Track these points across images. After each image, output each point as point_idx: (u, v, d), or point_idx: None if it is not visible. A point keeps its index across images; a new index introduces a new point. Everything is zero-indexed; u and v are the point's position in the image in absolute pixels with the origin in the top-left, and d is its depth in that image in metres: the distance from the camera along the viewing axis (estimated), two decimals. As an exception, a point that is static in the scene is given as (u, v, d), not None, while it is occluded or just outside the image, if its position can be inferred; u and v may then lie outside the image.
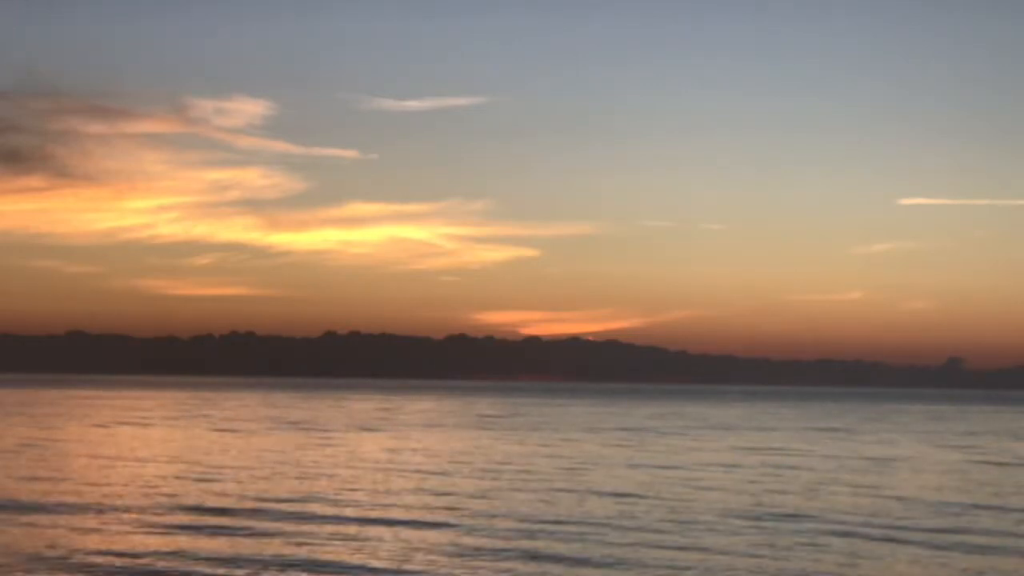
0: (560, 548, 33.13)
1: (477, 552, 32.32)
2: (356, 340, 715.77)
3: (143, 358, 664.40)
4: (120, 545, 32.69)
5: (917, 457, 74.70)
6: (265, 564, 30.22)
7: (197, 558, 30.85)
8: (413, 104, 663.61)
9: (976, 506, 45.47)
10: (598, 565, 30.84)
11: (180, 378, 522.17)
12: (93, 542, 33.16)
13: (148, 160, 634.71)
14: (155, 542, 33.29)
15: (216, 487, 47.97)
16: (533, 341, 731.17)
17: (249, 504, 42.16)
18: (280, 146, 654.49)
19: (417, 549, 32.67)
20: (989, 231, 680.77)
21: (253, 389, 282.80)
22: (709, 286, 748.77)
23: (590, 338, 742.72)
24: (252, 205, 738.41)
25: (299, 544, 33.25)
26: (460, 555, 31.85)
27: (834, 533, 36.83)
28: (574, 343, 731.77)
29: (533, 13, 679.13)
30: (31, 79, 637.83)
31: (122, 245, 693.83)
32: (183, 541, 33.53)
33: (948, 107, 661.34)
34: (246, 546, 32.84)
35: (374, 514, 40.06)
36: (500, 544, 33.68)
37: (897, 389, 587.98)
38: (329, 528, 36.57)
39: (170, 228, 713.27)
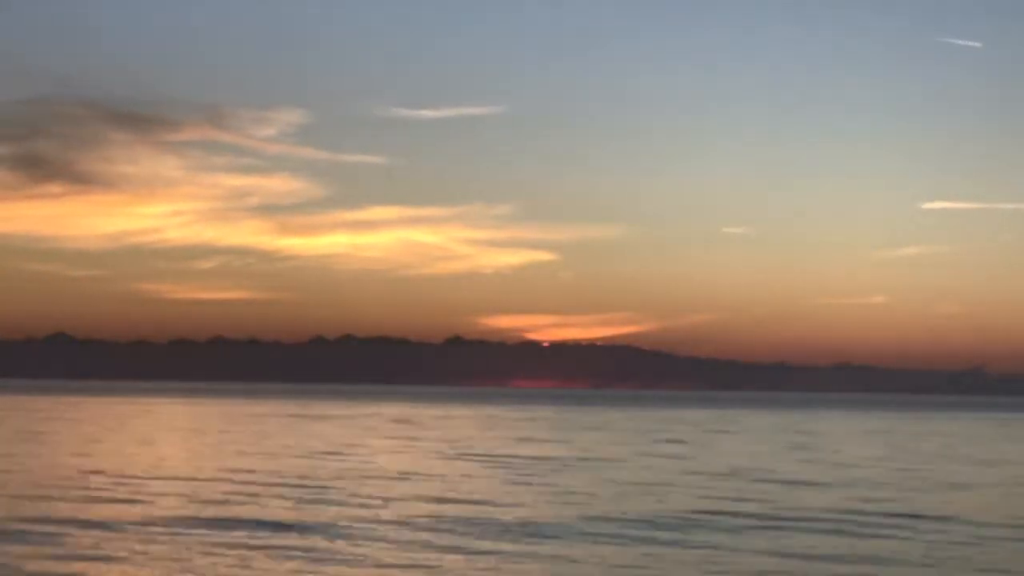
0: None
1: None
2: (349, 344, 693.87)
3: (120, 362, 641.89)
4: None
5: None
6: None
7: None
8: (441, 113, 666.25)
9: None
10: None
11: (158, 383, 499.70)
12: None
13: (170, 166, 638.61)
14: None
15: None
16: (532, 346, 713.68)
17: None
18: (310, 153, 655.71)
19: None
20: (1014, 235, 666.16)
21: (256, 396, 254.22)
22: (729, 290, 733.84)
23: (597, 343, 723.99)
24: (268, 210, 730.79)
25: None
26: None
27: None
28: (575, 348, 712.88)
29: (548, 22, 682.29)
30: (67, 87, 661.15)
31: (127, 249, 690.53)
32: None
33: (970, 111, 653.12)
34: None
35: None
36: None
37: (919, 396, 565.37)
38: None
39: (178, 232, 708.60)
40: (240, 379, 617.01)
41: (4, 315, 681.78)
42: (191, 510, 35.18)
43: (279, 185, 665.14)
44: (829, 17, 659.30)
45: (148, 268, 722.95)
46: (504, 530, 32.06)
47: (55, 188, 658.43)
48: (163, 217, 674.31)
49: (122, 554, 26.98)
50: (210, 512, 34.67)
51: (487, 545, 29.05)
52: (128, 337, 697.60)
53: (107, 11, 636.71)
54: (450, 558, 27.23)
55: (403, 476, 49.37)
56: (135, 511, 34.75)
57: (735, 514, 36.51)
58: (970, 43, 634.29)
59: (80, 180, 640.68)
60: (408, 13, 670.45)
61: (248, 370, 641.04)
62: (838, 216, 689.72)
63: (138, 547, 28.01)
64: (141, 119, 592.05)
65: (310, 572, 25.25)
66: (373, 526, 32.40)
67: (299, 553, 27.59)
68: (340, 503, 37.93)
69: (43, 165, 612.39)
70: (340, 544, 29.04)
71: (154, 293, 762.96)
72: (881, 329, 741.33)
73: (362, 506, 37.22)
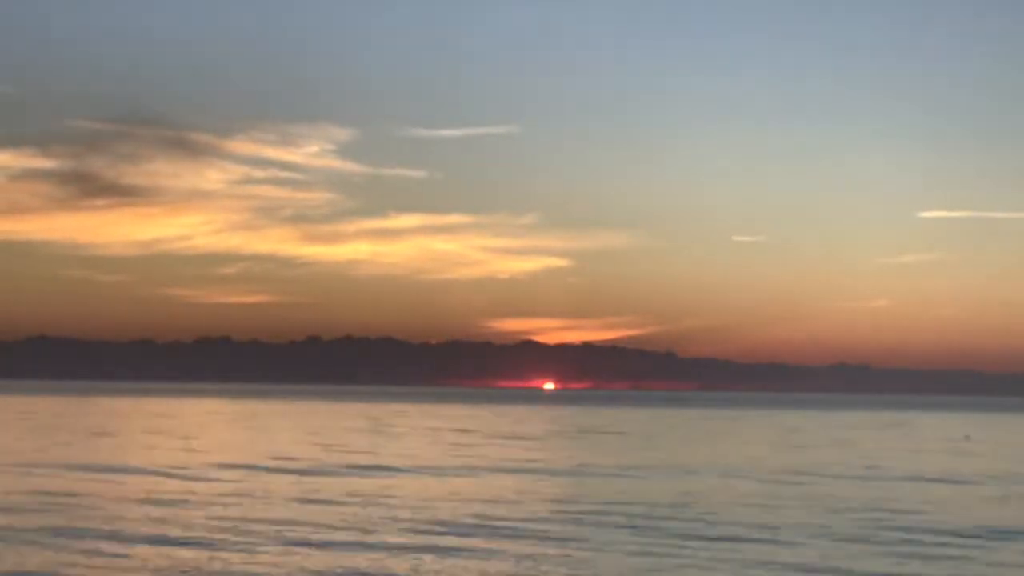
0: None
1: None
2: (346, 345, 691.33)
3: (113, 362, 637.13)
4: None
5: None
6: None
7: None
8: (471, 131, 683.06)
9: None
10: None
11: (158, 384, 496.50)
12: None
13: (212, 180, 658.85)
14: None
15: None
16: (529, 346, 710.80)
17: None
18: (348, 166, 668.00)
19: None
20: (1008, 242, 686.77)
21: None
22: (737, 295, 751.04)
23: (597, 344, 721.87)
24: (297, 219, 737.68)
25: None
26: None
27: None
28: (567, 348, 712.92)
29: (558, 43, 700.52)
30: (122, 106, 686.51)
31: (156, 256, 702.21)
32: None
33: (968, 125, 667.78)
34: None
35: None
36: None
37: (916, 396, 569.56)
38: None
39: (206, 240, 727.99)
40: (235, 380, 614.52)
41: (19, 317, 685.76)
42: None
43: (312, 197, 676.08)
44: (832, 29, 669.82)
45: (173, 273, 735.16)
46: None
47: (101, 201, 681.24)
48: (195, 226, 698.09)
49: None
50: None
51: None
52: (129, 338, 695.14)
53: (164, 34, 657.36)
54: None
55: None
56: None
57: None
58: (967, 52, 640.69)
59: (126, 193, 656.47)
60: (434, 44, 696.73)
61: (241, 371, 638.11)
62: (842, 225, 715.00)
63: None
64: (190, 136, 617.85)
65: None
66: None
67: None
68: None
69: (93, 180, 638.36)
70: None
71: (174, 297, 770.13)
72: (883, 331, 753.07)
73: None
